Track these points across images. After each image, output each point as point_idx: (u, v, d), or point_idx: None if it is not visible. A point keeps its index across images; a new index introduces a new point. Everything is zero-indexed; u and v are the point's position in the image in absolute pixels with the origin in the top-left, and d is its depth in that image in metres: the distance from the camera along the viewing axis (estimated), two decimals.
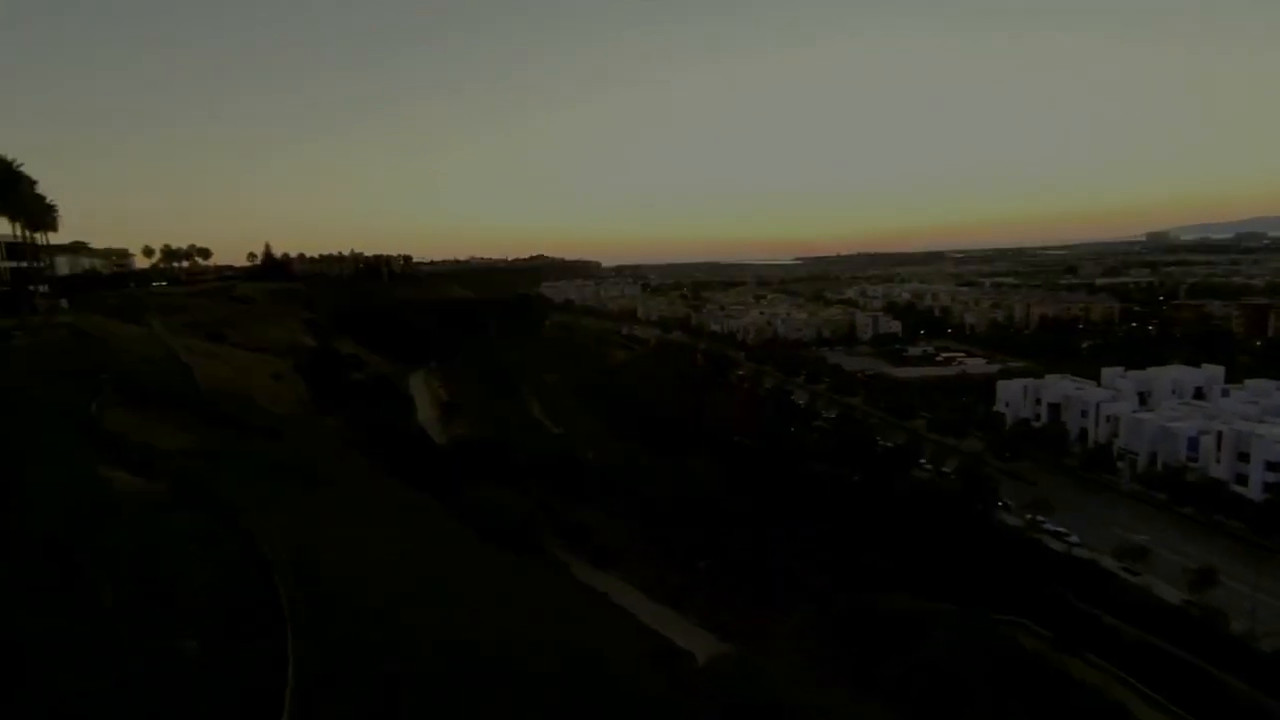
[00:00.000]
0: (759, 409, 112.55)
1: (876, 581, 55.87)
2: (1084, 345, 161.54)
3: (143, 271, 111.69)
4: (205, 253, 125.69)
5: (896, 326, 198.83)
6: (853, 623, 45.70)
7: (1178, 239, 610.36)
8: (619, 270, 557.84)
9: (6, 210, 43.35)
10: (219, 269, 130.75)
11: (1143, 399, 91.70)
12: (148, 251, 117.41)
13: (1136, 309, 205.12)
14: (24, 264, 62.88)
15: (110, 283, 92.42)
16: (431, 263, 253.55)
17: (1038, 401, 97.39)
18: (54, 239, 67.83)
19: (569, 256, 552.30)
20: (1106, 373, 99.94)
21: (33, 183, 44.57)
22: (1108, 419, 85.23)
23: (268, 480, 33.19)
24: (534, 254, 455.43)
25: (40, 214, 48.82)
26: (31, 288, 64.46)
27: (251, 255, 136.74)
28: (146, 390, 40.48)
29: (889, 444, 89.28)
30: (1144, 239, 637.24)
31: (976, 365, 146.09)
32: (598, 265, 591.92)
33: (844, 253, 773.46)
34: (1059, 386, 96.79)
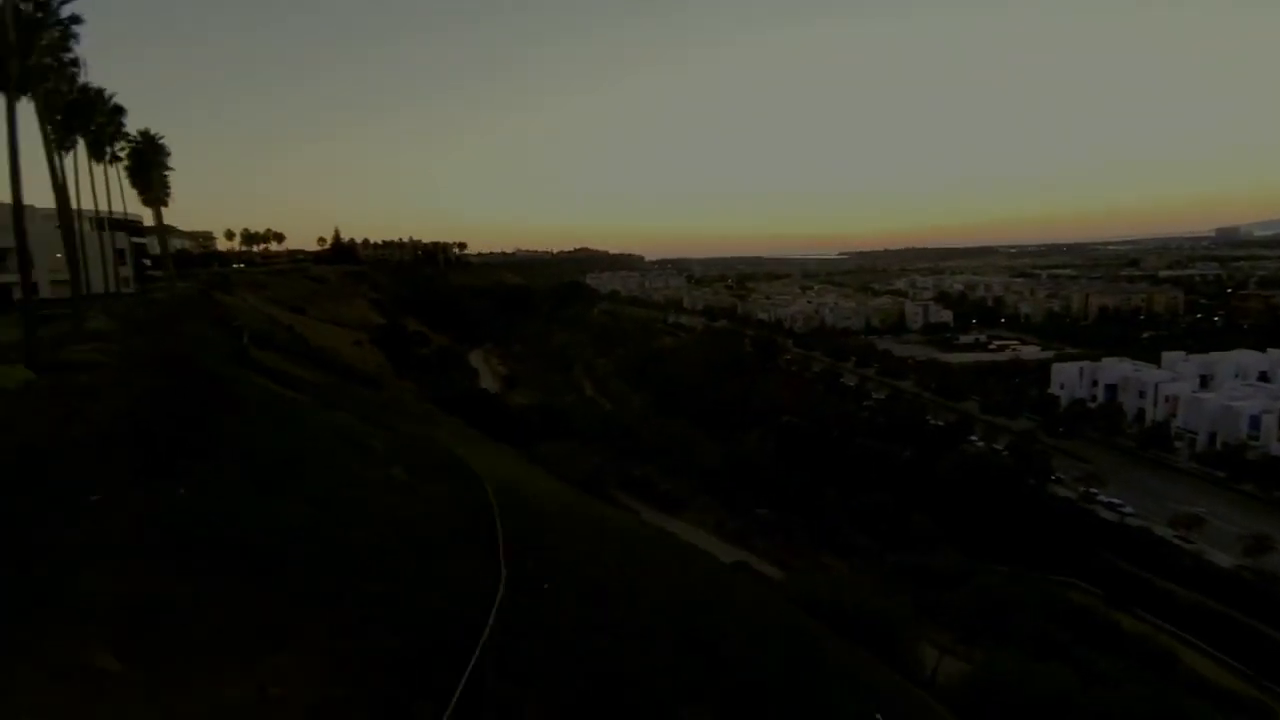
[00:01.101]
0: (808, 390, 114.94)
1: (926, 545, 58.59)
2: (1144, 335, 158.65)
3: (224, 253, 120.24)
4: (280, 237, 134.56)
5: (947, 316, 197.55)
6: (905, 573, 48.64)
7: (1250, 234, 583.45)
8: (661, 263, 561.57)
9: (148, 187, 49.26)
10: (291, 252, 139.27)
11: (1204, 383, 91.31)
12: (229, 235, 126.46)
13: (1202, 300, 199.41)
14: (142, 240, 70.28)
15: (199, 262, 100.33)
16: (478, 254, 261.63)
17: (1094, 383, 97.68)
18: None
19: (612, 250, 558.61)
20: (1167, 356, 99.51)
21: (168, 162, 50.41)
22: (1166, 399, 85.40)
23: (383, 413, 38.09)
24: (578, 247, 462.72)
25: (160, 193, 55.02)
26: (143, 261, 72.02)
27: (321, 240, 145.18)
28: (268, 339, 46.03)
29: (939, 423, 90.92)
30: (1213, 234, 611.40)
31: (1030, 352, 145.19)
32: (640, 259, 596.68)
33: (891, 247, 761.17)
34: (1117, 368, 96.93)
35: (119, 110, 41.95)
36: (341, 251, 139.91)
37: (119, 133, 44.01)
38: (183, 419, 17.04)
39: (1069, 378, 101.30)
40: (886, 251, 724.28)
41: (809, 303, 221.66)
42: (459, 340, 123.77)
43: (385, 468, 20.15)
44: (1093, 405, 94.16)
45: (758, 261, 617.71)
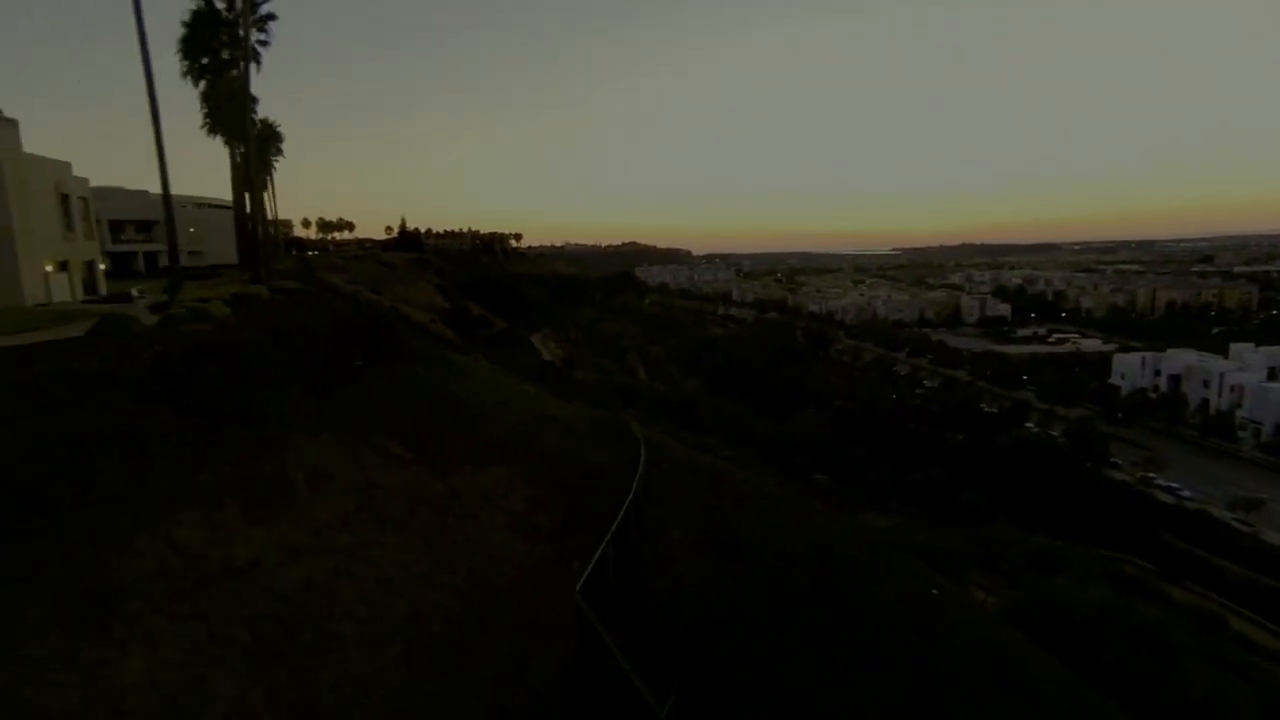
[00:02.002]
0: (860, 377, 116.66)
1: (979, 517, 60.68)
2: (1214, 330, 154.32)
3: (300, 239, 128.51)
4: (350, 225, 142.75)
5: (1005, 310, 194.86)
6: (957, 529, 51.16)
7: None
8: (709, 258, 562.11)
9: (259, 173, 55.14)
10: (359, 240, 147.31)
11: (1272, 374, 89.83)
12: (305, 223, 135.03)
13: (1278, 297, 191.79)
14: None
15: (283, 246, 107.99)
16: (529, 247, 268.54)
17: (1156, 373, 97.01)
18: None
19: (660, 245, 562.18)
20: (1235, 348, 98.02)
21: (280, 148, 56.20)
22: (1232, 389, 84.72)
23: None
24: (626, 241, 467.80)
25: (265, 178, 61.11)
26: None
27: (388, 228, 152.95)
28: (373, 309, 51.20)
29: (993, 410, 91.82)
30: None
31: (1091, 345, 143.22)
32: (688, 253, 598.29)
33: (947, 244, 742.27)
34: (1181, 357, 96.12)
35: (254, 99, 47.48)
36: (407, 240, 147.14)
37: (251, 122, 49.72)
38: (374, 329, 21.69)
39: (1130, 368, 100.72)
40: (941, 248, 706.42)
41: (861, 295, 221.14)
42: (517, 325, 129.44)
43: (520, 386, 24.55)
44: (1154, 395, 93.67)
45: (807, 257, 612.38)
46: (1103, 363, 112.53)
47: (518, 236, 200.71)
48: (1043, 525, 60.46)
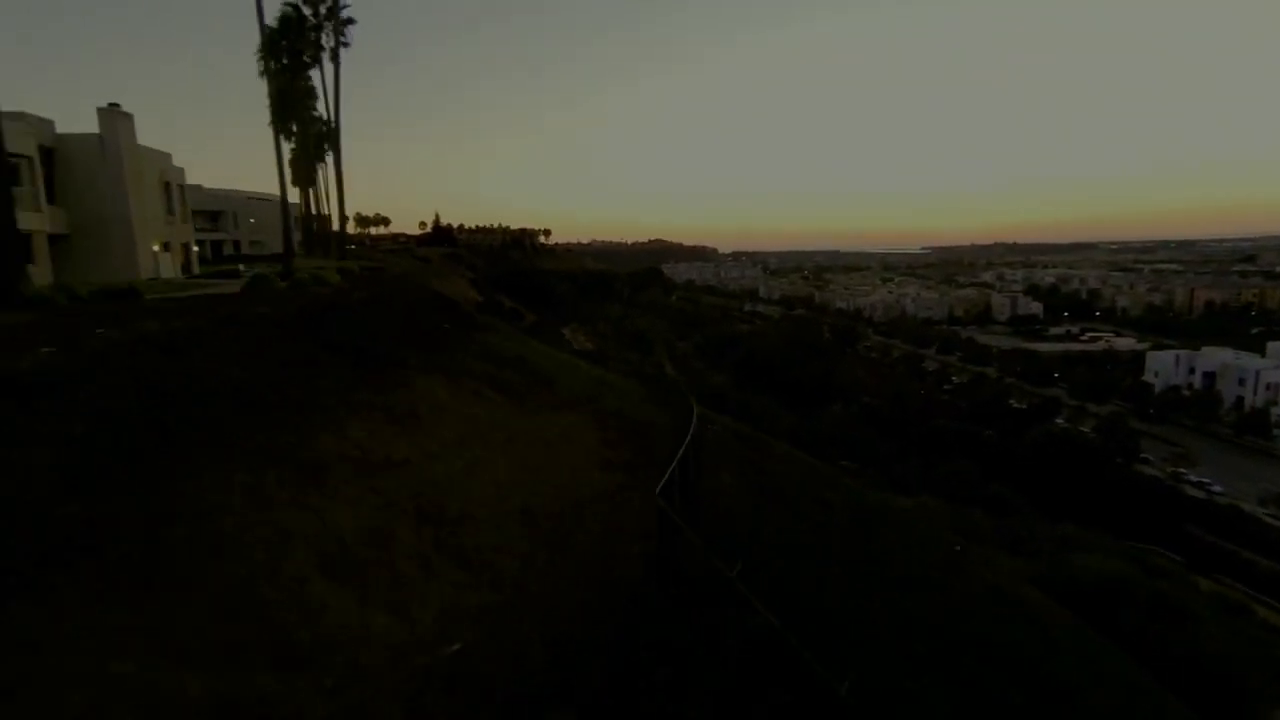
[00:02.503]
0: (888, 373, 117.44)
1: (1005, 508, 61.74)
2: (1253, 331, 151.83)
3: (336, 233, 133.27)
4: (386, 220, 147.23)
5: (1037, 308, 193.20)
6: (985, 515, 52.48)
7: None
8: (735, 256, 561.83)
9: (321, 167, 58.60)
10: (395, 235, 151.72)
11: None
12: (343, 217, 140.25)
13: None
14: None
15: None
16: (557, 244, 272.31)
17: (1191, 370, 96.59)
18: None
19: (686, 243, 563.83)
20: (1272, 346, 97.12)
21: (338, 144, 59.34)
22: (1268, 386, 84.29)
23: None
24: (652, 238, 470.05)
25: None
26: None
27: (422, 224, 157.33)
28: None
29: (1022, 406, 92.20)
30: None
31: (1125, 343, 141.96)
32: (714, 251, 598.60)
33: (979, 243, 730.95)
34: (1217, 355, 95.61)
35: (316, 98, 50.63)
36: (441, 235, 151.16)
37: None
38: (449, 303, 24.13)
39: (1164, 365, 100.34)
40: (973, 246, 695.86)
41: (889, 293, 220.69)
42: (548, 318, 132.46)
43: (573, 360, 26.85)
44: (1188, 393, 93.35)
45: (834, 255, 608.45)
46: (1136, 361, 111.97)
47: (546, 232, 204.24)
48: (1071, 517, 61.30)
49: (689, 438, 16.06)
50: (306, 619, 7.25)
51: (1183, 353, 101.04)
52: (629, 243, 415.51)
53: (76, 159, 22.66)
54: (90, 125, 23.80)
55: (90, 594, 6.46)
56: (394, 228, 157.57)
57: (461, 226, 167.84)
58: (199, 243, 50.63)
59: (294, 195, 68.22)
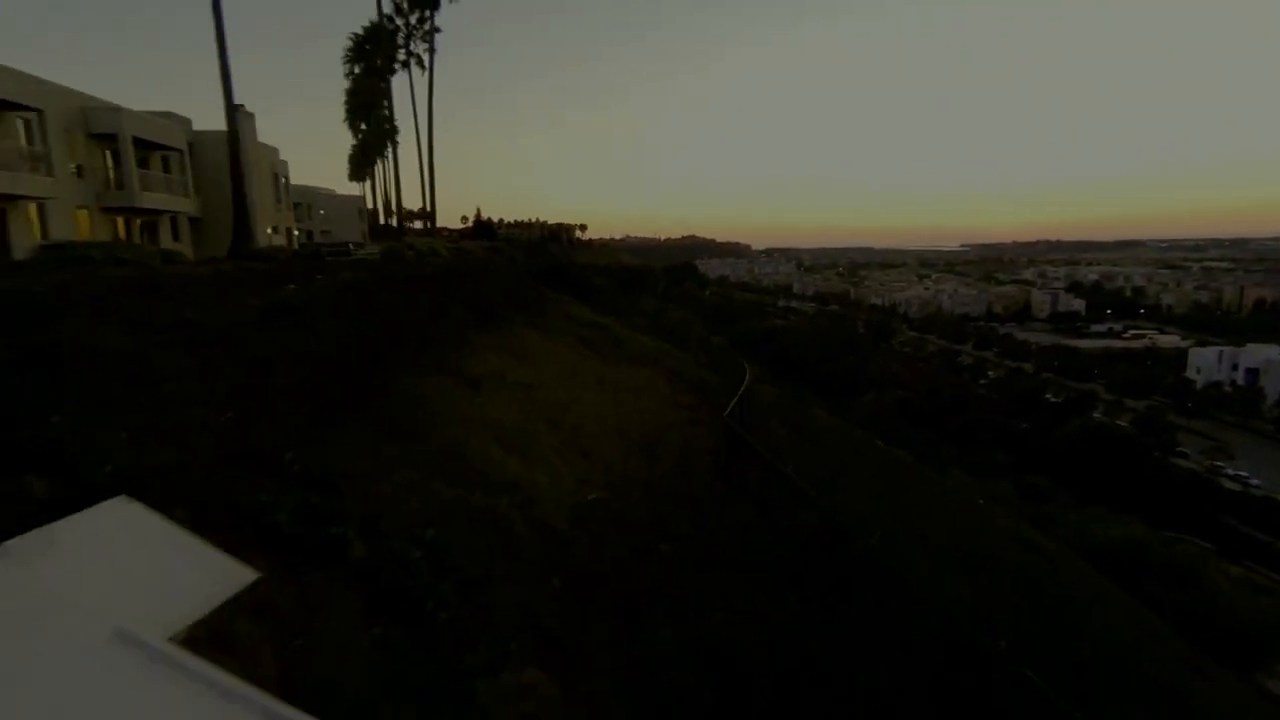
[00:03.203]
0: (924, 368, 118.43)
1: (1039, 497, 63.22)
2: None
3: (398, 226, 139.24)
4: (430, 215, 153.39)
5: (1079, 305, 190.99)
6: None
7: None
8: (769, 252, 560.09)
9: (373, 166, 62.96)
10: (437, 229, 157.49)
11: None
12: (389, 210, 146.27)
13: None
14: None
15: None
16: (592, 239, 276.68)
17: (1234, 367, 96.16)
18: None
19: (719, 239, 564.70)
20: None
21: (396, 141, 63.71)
22: None
23: None
24: (685, 234, 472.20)
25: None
26: None
27: (464, 218, 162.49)
28: None
29: (1058, 400, 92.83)
30: None
31: (1169, 341, 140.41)
32: (747, 247, 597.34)
33: (1022, 240, 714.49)
34: (1261, 352, 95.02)
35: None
36: (482, 228, 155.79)
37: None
38: (525, 281, 27.50)
39: (1207, 362, 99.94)
40: (1015, 244, 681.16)
41: (925, 289, 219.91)
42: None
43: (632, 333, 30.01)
44: (1230, 390, 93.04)
45: (870, 252, 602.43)
46: (1179, 358, 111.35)
47: (583, 227, 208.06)
48: (1103, 505, 62.49)
49: (745, 384, 19.13)
50: (495, 468, 10.54)
51: (1226, 349, 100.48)
52: (662, 238, 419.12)
53: (209, 153, 26.54)
54: (209, 122, 27.66)
55: (367, 438, 9.81)
56: (438, 221, 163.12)
57: (501, 221, 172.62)
58: None
59: (355, 189, 72.80)
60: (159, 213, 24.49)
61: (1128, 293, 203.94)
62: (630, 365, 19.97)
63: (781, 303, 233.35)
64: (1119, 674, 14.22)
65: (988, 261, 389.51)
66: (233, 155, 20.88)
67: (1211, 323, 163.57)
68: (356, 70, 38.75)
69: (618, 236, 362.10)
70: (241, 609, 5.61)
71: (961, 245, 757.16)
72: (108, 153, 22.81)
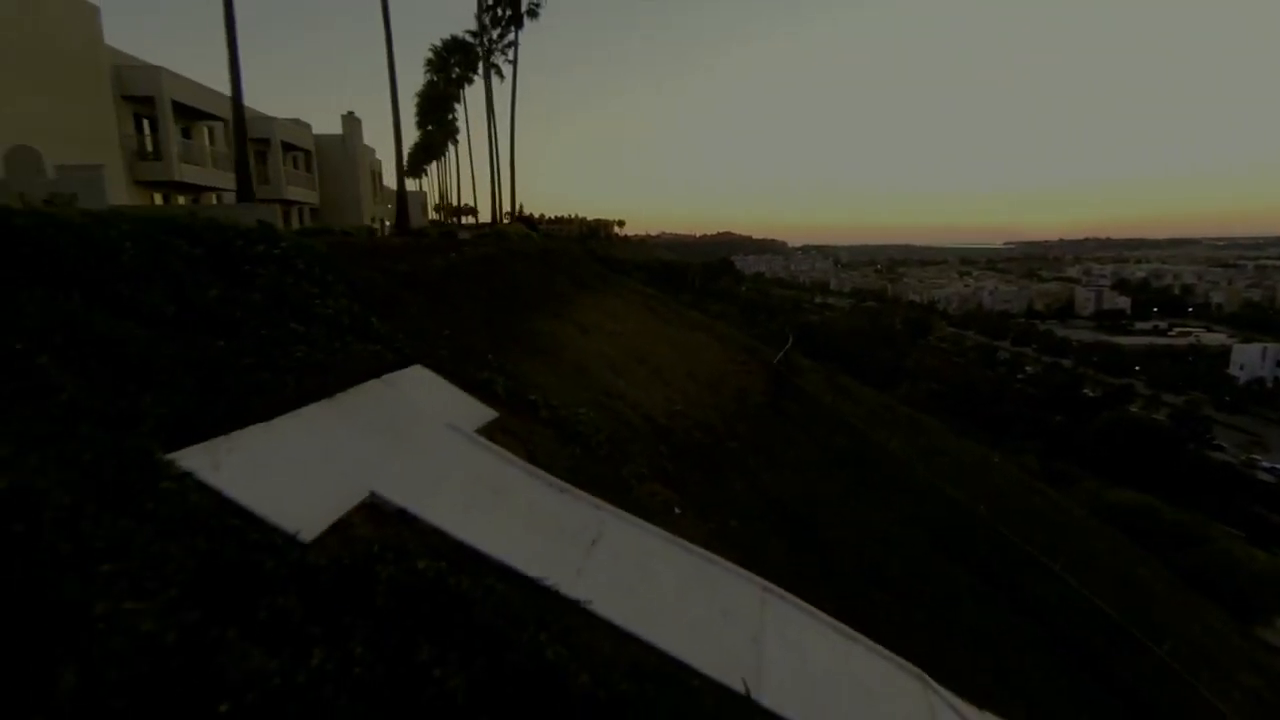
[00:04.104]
0: (960, 362, 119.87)
1: (1070, 482, 65.30)
2: None
3: (434, 222, 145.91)
4: (475, 210, 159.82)
5: (1124, 303, 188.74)
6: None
7: None
8: (806, 249, 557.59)
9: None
10: (483, 224, 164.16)
11: None
12: (436, 208, 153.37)
13: None
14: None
15: None
16: (630, 235, 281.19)
17: (1278, 364, 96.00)
18: None
19: (755, 235, 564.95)
20: None
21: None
22: None
23: None
24: (720, 231, 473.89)
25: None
26: None
27: (508, 213, 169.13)
28: None
29: (1094, 394, 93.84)
30: None
31: (1215, 339, 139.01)
32: (783, 244, 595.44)
33: (1069, 237, 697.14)
34: None
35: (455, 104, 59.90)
36: (524, 223, 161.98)
37: None
38: (594, 260, 31.52)
39: (1250, 358, 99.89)
40: (1062, 241, 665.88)
41: (965, 286, 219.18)
42: None
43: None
44: (1272, 386, 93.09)
45: (909, 249, 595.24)
46: (1222, 355, 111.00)
47: (620, 223, 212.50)
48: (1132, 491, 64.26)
49: (789, 344, 22.95)
50: (610, 384, 14.63)
51: (1270, 346, 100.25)
52: (697, 235, 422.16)
53: (327, 153, 31.27)
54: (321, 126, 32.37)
55: (524, 355, 13.97)
56: (482, 216, 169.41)
57: (542, 216, 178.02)
58: None
59: (409, 184, 78.20)
60: (297, 203, 29.24)
61: (1176, 291, 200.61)
62: (689, 329, 23.96)
63: (818, 299, 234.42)
64: (1074, 551, 17.67)
65: (1032, 259, 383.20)
66: (397, 155, 25.41)
67: (1262, 321, 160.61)
68: (435, 78, 43.34)
69: (654, 233, 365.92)
70: (497, 427, 9.84)
71: (1006, 243, 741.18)
72: (258, 154, 27.54)
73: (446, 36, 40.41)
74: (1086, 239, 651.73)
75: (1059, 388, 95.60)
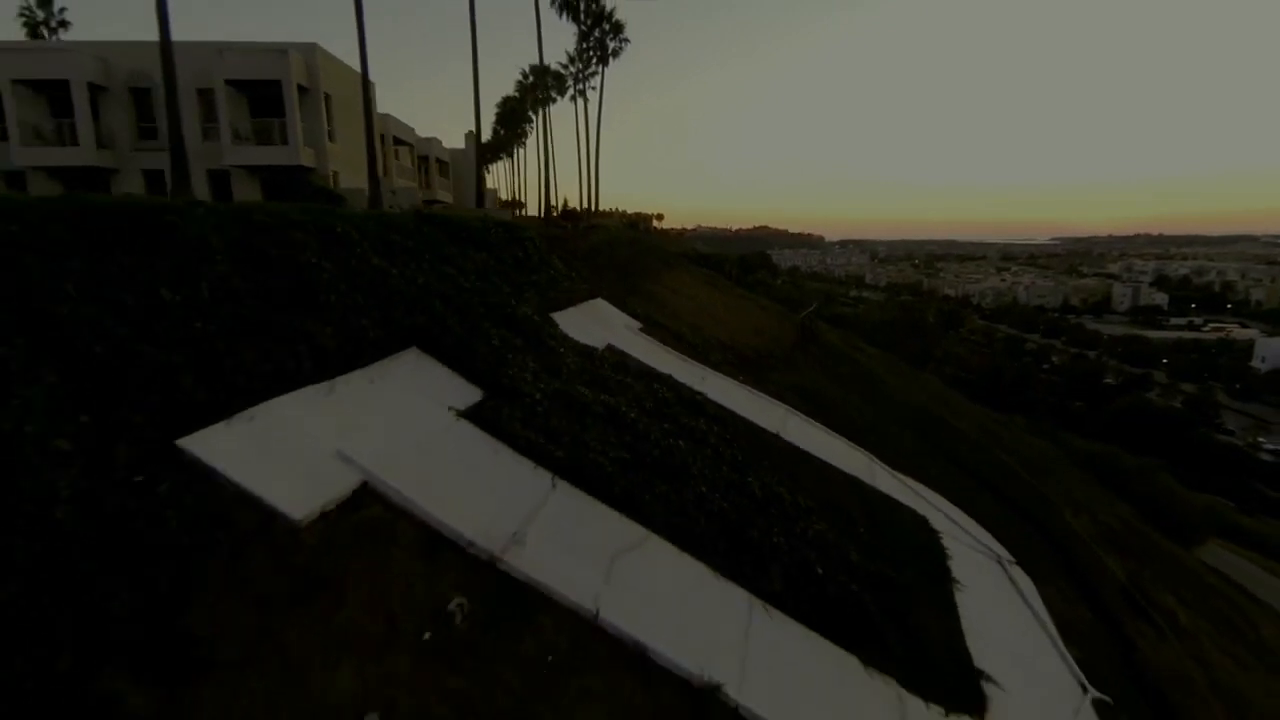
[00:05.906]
0: (986, 351, 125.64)
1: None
2: None
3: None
4: (523, 205, 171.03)
5: (1161, 299, 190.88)
6: None
7: None
8: (843, 244, 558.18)
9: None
10: (528, 217, 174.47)
11: None
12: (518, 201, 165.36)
13: None
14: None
15: None
16: (666, 230, 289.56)
17: None
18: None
19: (792, 229, 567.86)
20: None
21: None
22: None
23: None
24: (757, 225, 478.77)
25: None
26: None
27: (552, 206, 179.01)
28: None
29: (1114, 382, 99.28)
30: None
31: (1246, 335, 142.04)
32: (820, 239, 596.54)
33: (1118, 233, 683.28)
34: None
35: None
36: (568, 216, 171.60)
37: None
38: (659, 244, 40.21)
39: (1272, 351, 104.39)
40: (1110, 237, 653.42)
41: (1002, 280, 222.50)
42: None
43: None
44: None
45: (951, 244, 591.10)
46: (1247, 349, 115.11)
47: (659, 216, 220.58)
48: None
49: (814, 306, 31.38)
50: (697, 323, 23.37)
51: None
52: (733, 229, 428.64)
53: (454, 162, 40.59)
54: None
55: (642, 303, 22.76)
56: (529, 210, 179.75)
57: (585, 209, 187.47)
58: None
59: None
60: (440, 201, 38.42)
61: (1216, 288, 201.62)
62: (738, 299, 32.54)
63: (853, 293, 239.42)
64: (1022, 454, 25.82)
65: (1075, 255, 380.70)
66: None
67: None
68: (518, 94, 52.54)
69: (690, 226, 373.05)
70: (643, 331, 18.76)
71: (1050, 239, 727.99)
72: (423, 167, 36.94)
73: (534, 63, 49.63)
74: (1137, 235, 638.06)
75: (1081, 376, 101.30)
